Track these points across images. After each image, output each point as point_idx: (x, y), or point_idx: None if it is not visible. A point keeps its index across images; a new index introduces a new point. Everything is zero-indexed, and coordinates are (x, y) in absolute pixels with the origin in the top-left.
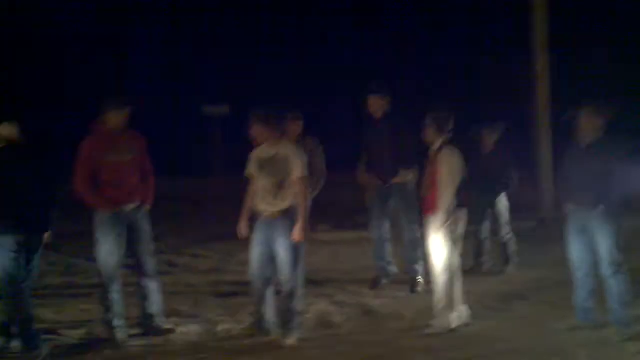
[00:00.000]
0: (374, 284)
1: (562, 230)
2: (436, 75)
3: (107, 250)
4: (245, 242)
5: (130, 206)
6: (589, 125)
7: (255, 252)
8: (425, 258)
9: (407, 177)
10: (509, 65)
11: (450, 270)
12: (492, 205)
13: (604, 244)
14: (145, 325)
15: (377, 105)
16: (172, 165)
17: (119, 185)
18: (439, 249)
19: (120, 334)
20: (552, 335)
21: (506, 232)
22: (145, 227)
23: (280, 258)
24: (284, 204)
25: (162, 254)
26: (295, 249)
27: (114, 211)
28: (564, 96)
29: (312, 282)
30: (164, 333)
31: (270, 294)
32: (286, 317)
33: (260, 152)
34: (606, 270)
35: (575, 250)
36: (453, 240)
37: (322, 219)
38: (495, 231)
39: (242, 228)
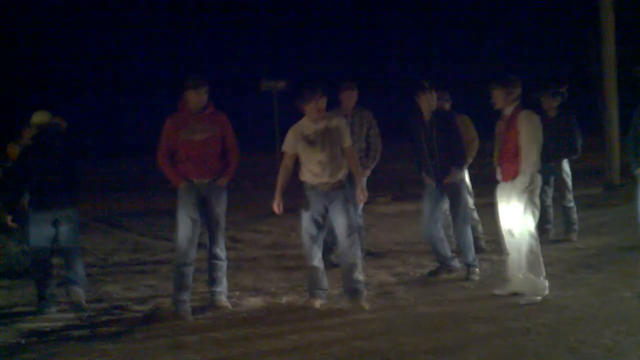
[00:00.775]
0: (434, 274)
1: (630, 196)
2: (500, 35)
3: (183, 224)
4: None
5: (203, 181)
6: None
7: (309, 223)
8: (468, 245)
9: (458, 176)
10: (572, 26)
11: (534, 235)
12: (555, 171)
13: None
14: (211, 300)
15: (425, 102)
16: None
17: (192, 161)
18: (523, 214)
19: (187, 308)
20: (619, 303)
21: (569, 199)
22: (219, 203)
23: (339, 227)
24: (340, 174)
25: (226, 229)
26: (352, 218)
27: (187, 185)
28: (631, 57)
29: (372, 254)
30: (227, 309)
31: (322, 263)
32: (354, 287)
33: (305, 128)
34: None
35: None
36: (535, 204)
37: (380, 191)
38: (558, 198)
39: (278, 204)
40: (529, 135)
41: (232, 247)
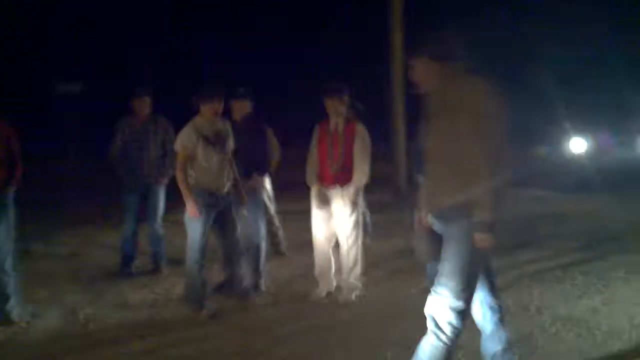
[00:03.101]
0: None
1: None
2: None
3: None
4: (101, 226)
5: None
6: None
7: (205, 232)
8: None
9: (258, 182)
10: (367, 47)
11: (361, 238)
12: None
13: None
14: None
15: (239, 109)
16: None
17: None
18: (352, 219)
19: None
20: (404, 299)
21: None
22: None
23: (232, 232)
24: (231, 178)
25: (19, 240)
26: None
27: None
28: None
29: (175, 262)
30: (19, 325)
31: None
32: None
33: (202, 128)
34: None
35: None
36: (362, 210)
37: None
38: None
39: (195, 206)
40: (366, 147)
41: (26, 258)
